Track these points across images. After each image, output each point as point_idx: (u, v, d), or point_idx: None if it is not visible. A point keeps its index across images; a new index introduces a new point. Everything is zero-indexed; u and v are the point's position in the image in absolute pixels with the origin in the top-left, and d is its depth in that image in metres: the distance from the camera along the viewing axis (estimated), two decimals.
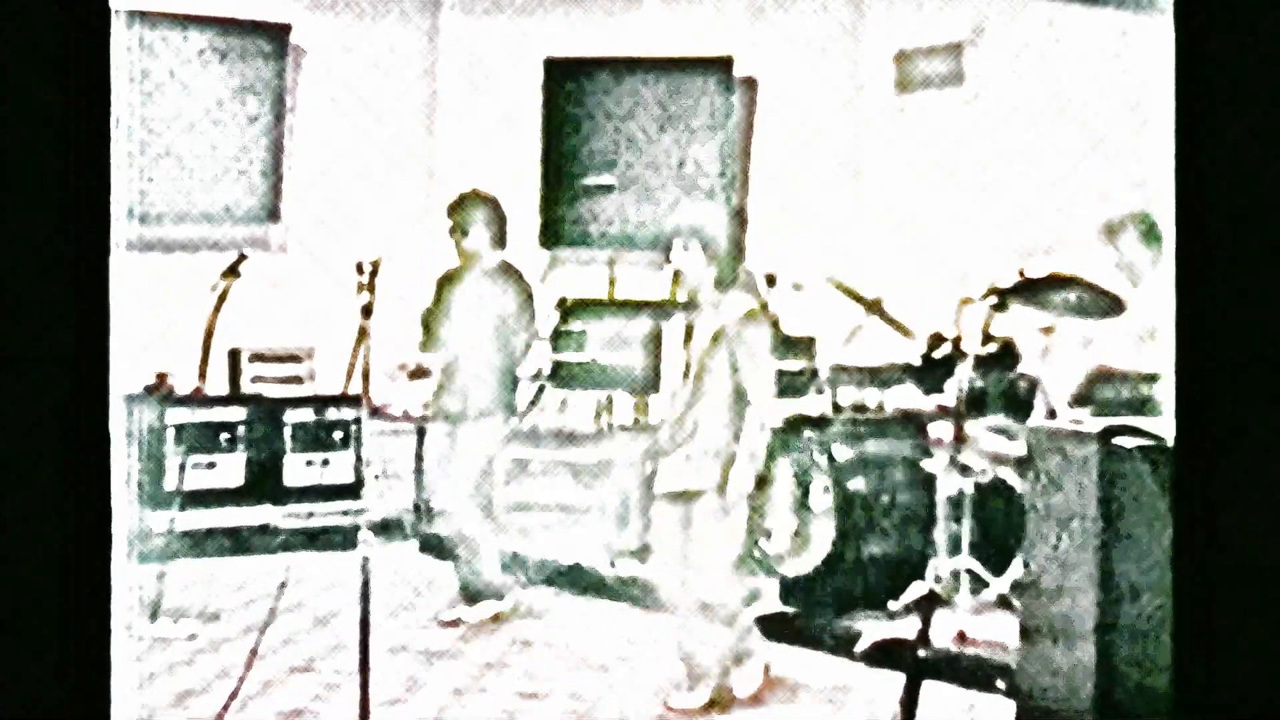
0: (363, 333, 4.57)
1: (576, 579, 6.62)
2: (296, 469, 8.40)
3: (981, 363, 5.91)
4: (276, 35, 7.99)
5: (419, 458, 8.69)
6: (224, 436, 8.19)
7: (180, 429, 8.02)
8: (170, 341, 7.75)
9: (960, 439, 5.86)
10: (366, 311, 4.50)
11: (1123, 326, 5.84)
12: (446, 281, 6.73)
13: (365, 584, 4.36)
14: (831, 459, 6.17)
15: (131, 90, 7.36)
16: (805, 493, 6.21)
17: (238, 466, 8.24)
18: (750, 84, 8.40)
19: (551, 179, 7.68)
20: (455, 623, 6.44)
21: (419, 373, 6.76)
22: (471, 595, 6.48)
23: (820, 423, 6.39)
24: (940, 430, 6.07)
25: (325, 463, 8.46)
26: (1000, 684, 5.19)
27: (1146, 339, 5.91)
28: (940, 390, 6.19)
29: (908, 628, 5.20)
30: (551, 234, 7.65)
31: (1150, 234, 6.06)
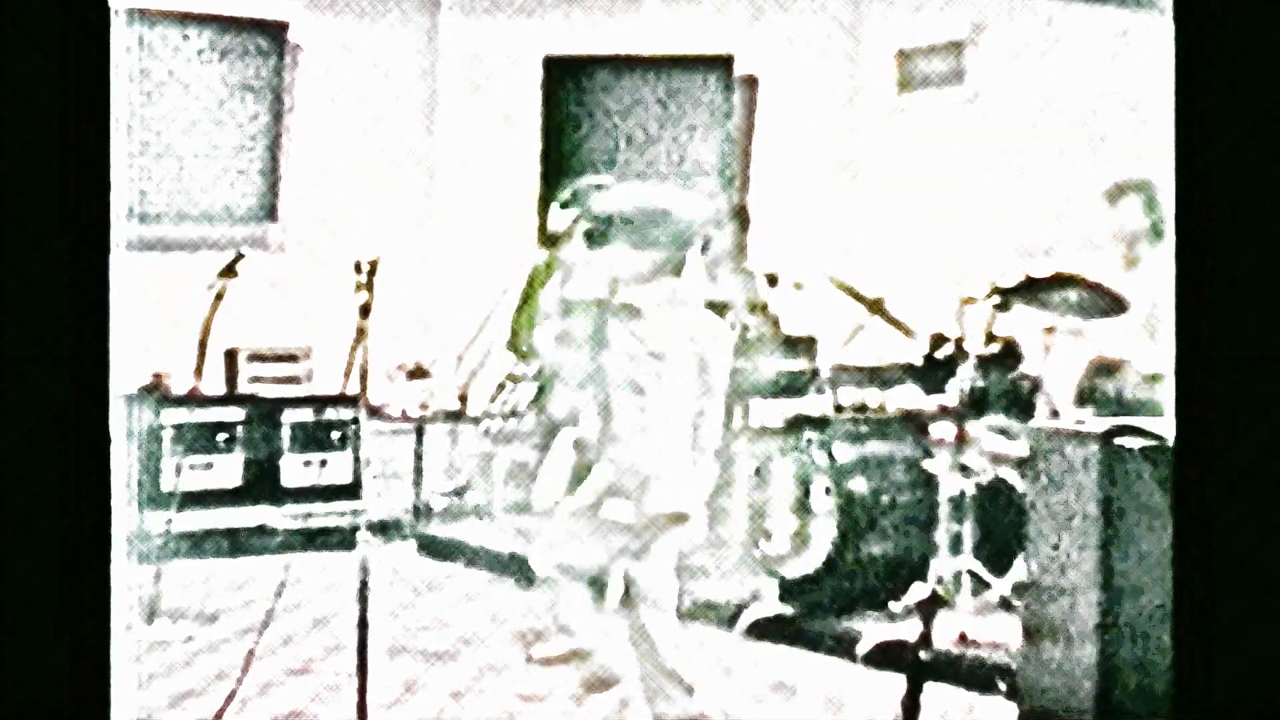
0: (361, 332, 4.56)
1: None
2: (294, 469, 8.39)
3: (983, 363, 5.91)
4: (275, 33, 7.99)
5: (418, 458, 8.68)
6: (221, 436, 8.18)
7: (177, 429, 8.01)
8: (168, 341, 7.74)
9: (962, 439, 5.86)
10: (365, 311, 4.49)
11: (1124, 325, 5.84)
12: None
13: (364, 585, 4.35)
14: (832, 459, 6.16)
15: (131, 90, 7.36)
16: (806, 493, 6.21)
17: (235, 467, 8.23)
18: (750, 83, 8.41)
19: (551, 178, 7.68)
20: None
21: (417, 373, 6.74)
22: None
23: (821, 423, 6.38)
24: (942, 430, 6.06)
25: (323, 463, 8.45)
26: (1002, 685, 5.18)
27: (1147, 338, 5.91)
28: (942, 390, 6.18)
29: (909, 629, 5.19)
30: (550, 234, 7.64)
31: (1151, 203, 6.06)
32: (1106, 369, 5.94)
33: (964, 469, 5.89)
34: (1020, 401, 6.08)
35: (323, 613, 6.66)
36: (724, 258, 7.15)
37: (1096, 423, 4.89)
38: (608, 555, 4.59)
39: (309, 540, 8.16)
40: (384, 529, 8.09)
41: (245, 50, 7.89)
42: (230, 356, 8.62)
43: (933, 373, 6.25)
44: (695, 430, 4.53)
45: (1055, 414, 5.93)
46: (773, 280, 6.91)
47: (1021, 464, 5.57)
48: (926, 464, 6.11)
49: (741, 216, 7.73)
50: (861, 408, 6.64)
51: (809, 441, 6.25)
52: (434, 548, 8.18)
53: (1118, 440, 4.59)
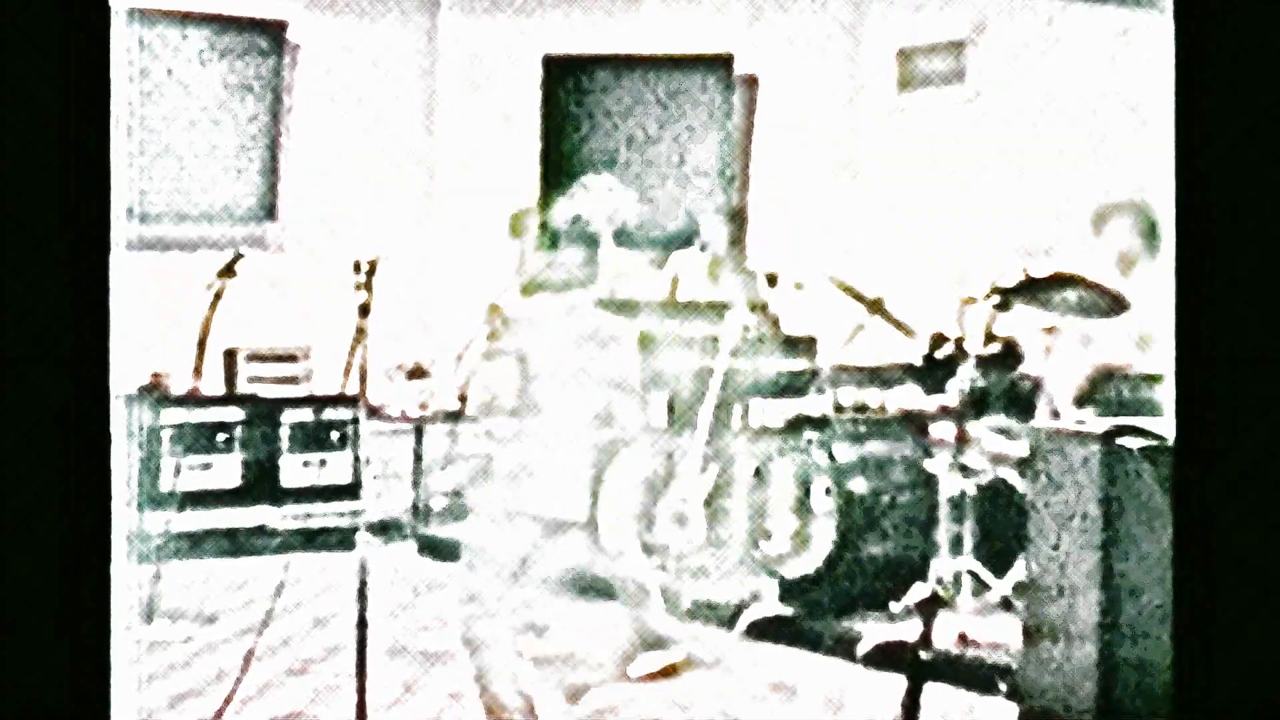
0: (360, 332, 4.57)
1: (576, 580, 6.60)
2: (294, 469, 8.38)
3: (984, 363, 5.91)
4: (274, 33, 7.98)
5: (418, 458, 8.68)
6: (220, 437, 8.17)
7: (177, 429, 8.00)
8: (167, 341, 7.74)
9: (962, 439, 5.85)
10: (364, 311, 4.50)
11: (1124, 325, 5.84)
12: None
13: (363, 585, 4.35)
14: (833, 459, 6.16)
15: (131, 90, 7.35)
16: (806, 493, 6.20)
17: (234, 467, 8.22)
18: (751, 82, 8.40)
19: (550, 178, 7.68)
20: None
21: (417, 373, 6.72)
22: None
23: (821, 423, 6.38)
24: (942, 430, 6.06)
25: (323, 463, 8.44)
26: (1002, 686, 5.18)
27: (1147, 338, 5.91)
28: (942, 390, 6.18)
29: (909, 630, 5.19)
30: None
31: (1144, 225, 6.06)
32: (1108, 373, 5.94)
33: (964, 469, 5.88)
34: (1020, 401, 6.08)
35: (322, 613, 6.65)
36: (725, 258, 7.15)
37: (1097, 423, 4.89)
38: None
39: (308, 540, 8.16)
40: (383, 529, 8.09)
41: (245, 50, 7.88)
42: (229, 356, 8.61)
43: (933, 373, 6.25)
44: (601, 433, 4.62)
45: (1055, 414, 5.93)
46: (773, 280, 6.90)
47: (1022, 464, 5.56)
48: (926, 464, 6.11)
49: (741, 216, 7.72)
50: (861, 408, 6.63)
51: (809, 441, 6.25)
52: (434, 548, 8.17)
53: (1118, 440, 4.58)
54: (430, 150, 9.71)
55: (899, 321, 6.61)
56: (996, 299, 5.76)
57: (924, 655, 4.62)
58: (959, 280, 6.16)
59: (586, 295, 4.72)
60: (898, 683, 4.77)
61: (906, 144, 9.05)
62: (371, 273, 4.49)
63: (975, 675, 5.34)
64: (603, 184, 5.48)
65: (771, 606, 6.23)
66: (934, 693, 4.81)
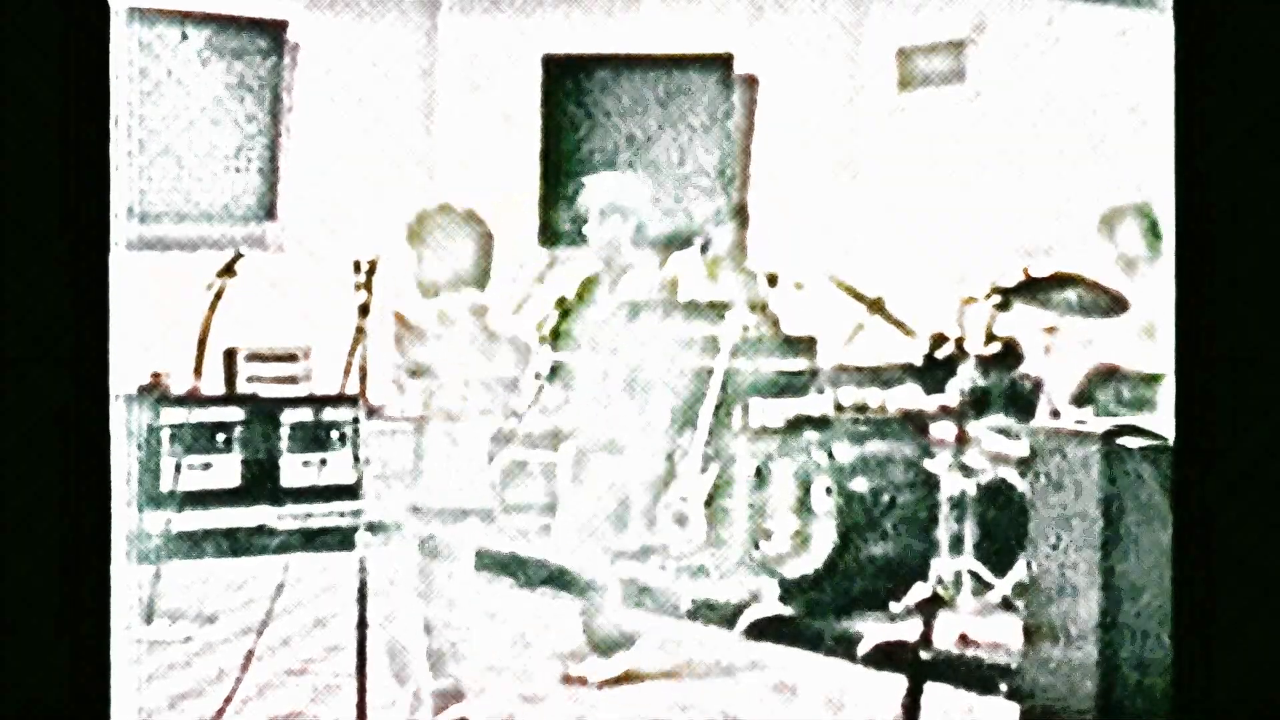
0: (360, 332, 4.58)
1: (574, 580, 6.61)
2: (293, 469, 8.38)
3: (984, 362, 5.92)
4: (274, 33, 7.98)
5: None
6: (220, 437, 8.17)
7: (176, 429, 7.99)
8: (167, 341, 7.73)
9: (962, 439, 5.86)
10: (364, 311, 4.52)
11: (1125, 325, 5.84)
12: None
13: (363, 585, 4.36)
14: (832, 459, 6.16)
15: (131, 89, 7.35)
16: (806, 493, 6.21)
17: (234, 467, 8.22)
18: (750, 82, 8.40)
19: (550, 177, 7.68)
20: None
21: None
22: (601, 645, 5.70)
23: (821, 423, 6.39)
24: (942, 430, 6.06)
25: (323, 463, 8.44)
26: (1002, 686, 5.18)
27: (1147, 338, 5.92)
28: (942, 390, 6.19)
29: (909, 630, 5.20)
30: (550, 233, 7.66)
31: (1149, 227, 6.07)
32: (1107, 374, 5.94)
33: (964, 469, 5.89)
34: (1020, 401, 6.08)
35: (322, 613, 6.65)
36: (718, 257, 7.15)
37: (1096, 423, 4.89)
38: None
39: (308, 540, 8.15)
40: (384, 529, 8.08)
41: (244, 50, 7.88)
42: (229, 356, 8.61)
43: (933, 373, 6.25)
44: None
45: (1056, 414, 5.93)
46: (773, 280, 6.90)
47: (1022, 464, 5.57)
48: (927, 464, 6.11)
49: (741, 216, 7.72)
50: (862, 408, 6.63)
51: (809, 441, 6.25)
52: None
53: (1118, 440, 4.58)
54: (430, 150, 9.70)
55: (899, 321, 6.62)
56: (996, 299, 5.77)
57: (924, 655, 4.63)
58: (959, 280, 6.16)
59: (479, 296, 4.93)
60: (898, 683, 4.77)
61: (906, 144, 9.04)
62: (371, 273, 4.50)
63: (975, 675, 5.34)
64: (615, 180, 5.58)
65: (771, 606, 6.23)
66: (934, 693, 4.81)
